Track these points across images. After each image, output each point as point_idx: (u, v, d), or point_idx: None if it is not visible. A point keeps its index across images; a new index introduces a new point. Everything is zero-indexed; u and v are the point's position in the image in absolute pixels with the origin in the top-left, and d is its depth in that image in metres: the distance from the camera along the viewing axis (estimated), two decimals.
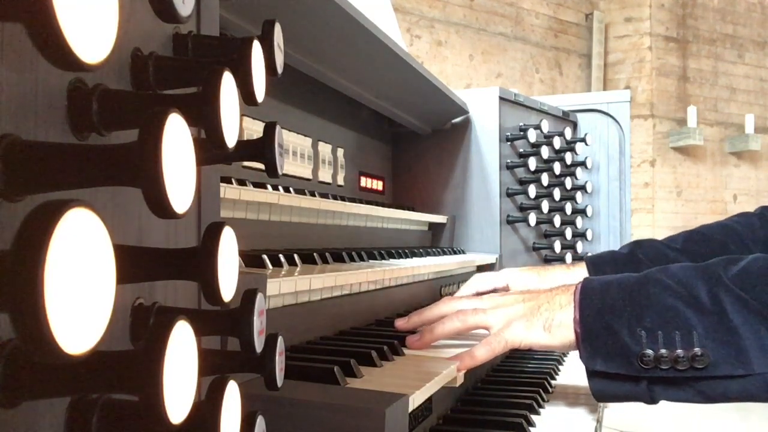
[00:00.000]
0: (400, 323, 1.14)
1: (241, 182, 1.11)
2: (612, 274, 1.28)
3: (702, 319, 0.92)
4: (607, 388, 0.98)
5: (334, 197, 1.49)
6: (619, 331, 0.95)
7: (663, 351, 0.92)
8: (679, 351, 0.92)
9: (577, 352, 1.02)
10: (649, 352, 0.93)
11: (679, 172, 6.38)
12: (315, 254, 1.14)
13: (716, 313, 0.91)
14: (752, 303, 0.89)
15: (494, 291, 1.41)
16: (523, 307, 1.07)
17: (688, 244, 1.43)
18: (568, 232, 2.23)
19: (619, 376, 0.96)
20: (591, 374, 0.99)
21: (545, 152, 2.13)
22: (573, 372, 1.50)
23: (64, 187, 0.34)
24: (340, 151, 1.68)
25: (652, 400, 0.97)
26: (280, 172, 0.54)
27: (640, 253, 1.40)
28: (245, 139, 0.64)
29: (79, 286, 0.29)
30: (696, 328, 0.92)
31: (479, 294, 1.41)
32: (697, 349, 0.91)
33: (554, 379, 1.44)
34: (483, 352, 1.03)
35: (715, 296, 0.92)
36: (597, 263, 1.41)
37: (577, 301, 1.01)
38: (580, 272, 1.40)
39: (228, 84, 0.42)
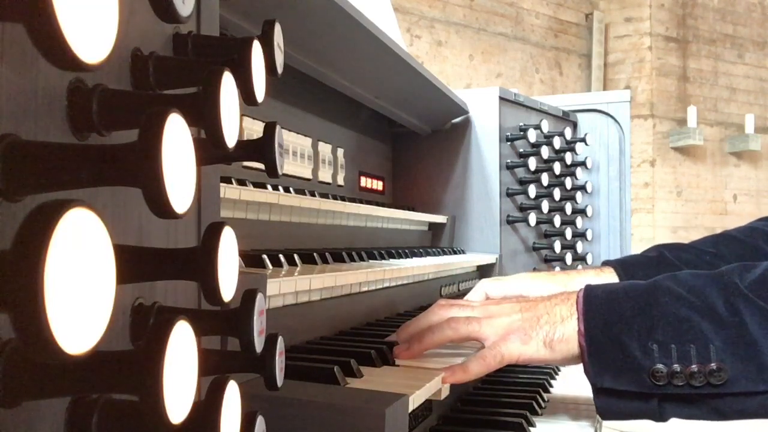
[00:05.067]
0: (399, 351, 1.00)
1: (241, 182, 1.11)
2: (643, 277, 1.19)
3: (719, 331, 0.85)
4: (614, 407, 0.92)
5: (334, 197, 1.49)
6: (629, 345, 0.88)
7: (676, 366, 0.86)
8: (694, 366, 0.85)
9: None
10: (662, 367, 0.87)
11: (679, 172, 6.38)
12: (315, 254, 1.14)
13: (735, 325, 0.85)
14: None
15: (504, 300, 1.31)
16: (520, 318, 0.98)
17: (720, 247, 1.33)
18: (568, 232, 2.23)
19: (628, 393, 0.90)
20: (597, 391, 0.93)
21: (545, 152, 2.13)
22: (573, 372, 1.50)
23: (64, 187, 0.34)
24: (340, 151, 1.68)
25: (661, 418, 0.91)
26: (280, 172, 0.54)
27: (670, 255, 1.31)
28: (245, 139, 0.64)
29: (79, 286, 0.29)
30: (713, 341, 0.85)
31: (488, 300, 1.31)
32: (713, 364, 0.85)
33: (554, 378, 1.44)
34: (476, 367, 0.95)
35: (733, 306, 0.86)
36: (627, 267, 1.30)
37: (581, 311, 0.93)
38: (606, 278, 1.28)
39: (228, 84, 0.42)
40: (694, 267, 1.23)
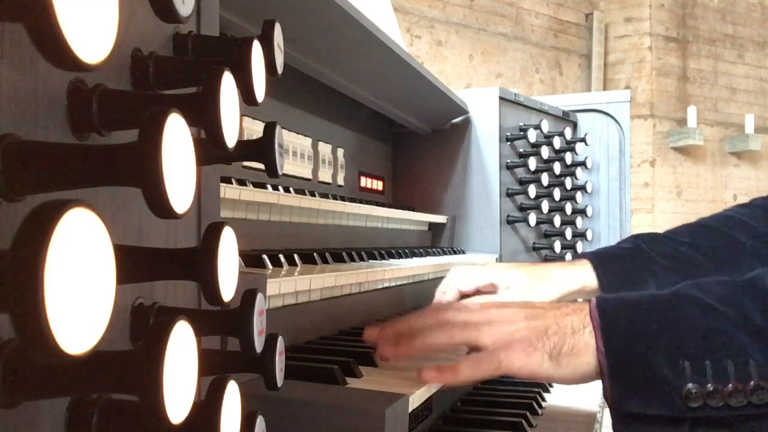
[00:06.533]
0: (385, 347, 0.91)
1: (241, 182, 1.11)
2: (620, 270, 1.11)
3: (759, 344, 0.75)
4: None
5: (334, 197, 1.49)
6: (655, 362, 0.77)
7: (710, 385, 0.75)
8: (731, 384, 0.74)
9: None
10: (694, 386, 0.75)
11: (679, 172, 6.38)
12: (315, 254, 1.14)
13: None
14: None
15: (478, 292, 1.19)
16: (525, 326, 0.86)
17: (697, 239, 1.24)
18: (568, 232, 2.23)
19: (657, 418, 0.77)
20: (620, 417, 0.80)
21: (545, 152, 2.13)
22: None
23: (64, 187, 0.34)
24: (340, 151, 1.68)
25: None
26: (280, 172, 0.54)
27: (645, 247, 1.22)
28: (245, 139, 0.64)
29: (79, 286, 0.29)
30: (753, 356, 0.75)
31: (463, 296, 1.19)
32: (754, 382, 0.73)
33: None
34: (468, 371, 0.86)
35: None
36: (603, 259, 1.21)
37: (598, 327, 0.82)
38: (582, 271, 1.20)
39: (228, 84, 0.42)
40: (670, 257, 1.18)
